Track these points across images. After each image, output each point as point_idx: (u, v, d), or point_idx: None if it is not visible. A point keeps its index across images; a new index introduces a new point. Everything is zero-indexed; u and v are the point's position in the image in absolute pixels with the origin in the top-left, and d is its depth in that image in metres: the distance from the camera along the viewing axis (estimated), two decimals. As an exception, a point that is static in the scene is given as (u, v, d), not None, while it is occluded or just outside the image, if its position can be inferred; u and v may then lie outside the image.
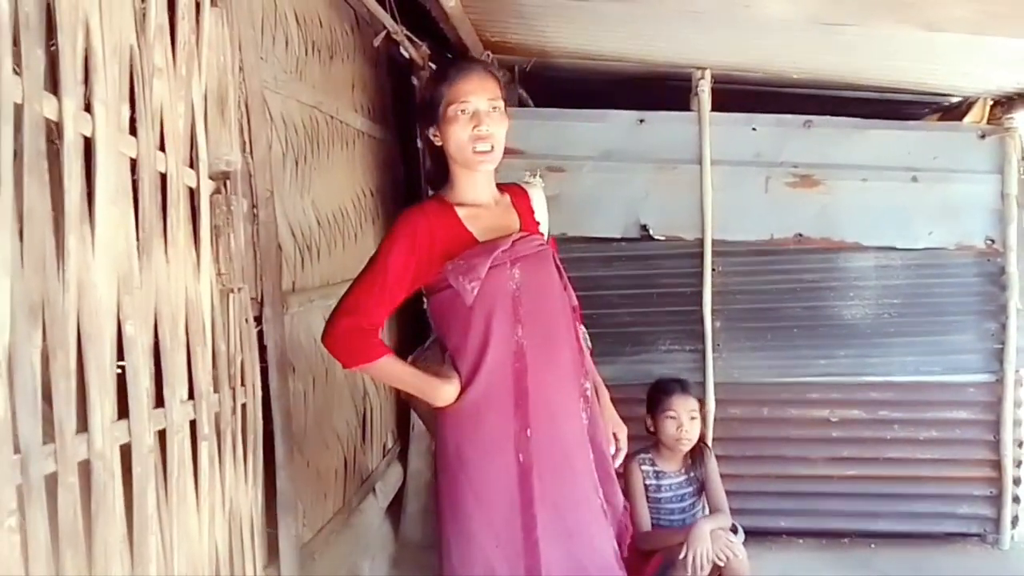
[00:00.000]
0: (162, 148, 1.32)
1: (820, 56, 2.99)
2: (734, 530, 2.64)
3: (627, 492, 2.54)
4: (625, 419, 1.99)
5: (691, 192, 3.25)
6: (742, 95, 3.41)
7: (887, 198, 3.26)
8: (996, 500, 3.31)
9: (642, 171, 3.29)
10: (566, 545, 1.69)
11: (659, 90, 3.52)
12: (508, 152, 3.21)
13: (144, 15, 1.28)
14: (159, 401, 1.25)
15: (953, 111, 3.57)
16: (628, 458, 2.57)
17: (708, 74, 3.23)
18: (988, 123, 3.34)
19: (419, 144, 3.50)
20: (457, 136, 1.64)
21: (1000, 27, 2.41)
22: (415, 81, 3.45)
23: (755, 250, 3.29)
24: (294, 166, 2.25)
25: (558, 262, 1.82)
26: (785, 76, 3.28)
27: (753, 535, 2.94)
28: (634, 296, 3.28)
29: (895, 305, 3.29)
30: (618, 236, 3.29)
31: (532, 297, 1.68)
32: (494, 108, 1.66)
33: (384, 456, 3.10)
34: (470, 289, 1.61)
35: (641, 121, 3.30)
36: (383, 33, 2.98)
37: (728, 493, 2.66)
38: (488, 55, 3.17)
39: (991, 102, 3.35)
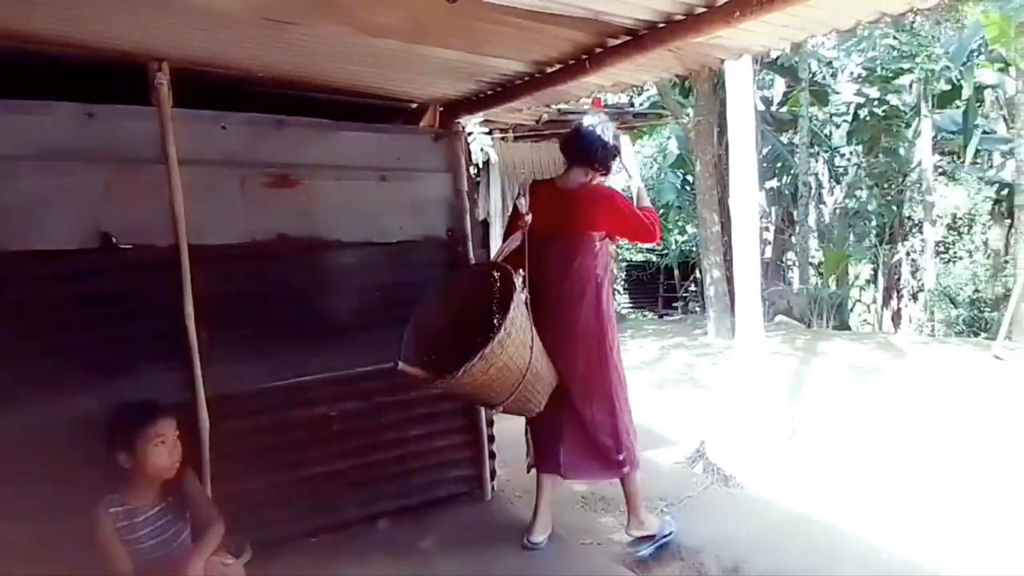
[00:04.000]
0: None
1: (280, 55, 2.95)
2: (240, 548, 2.51)
3: (98, 547, 2.22)
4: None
5: (160, 194, 2.95)
6: (221, 93, 3.21)
7: (361, 196, 3.44)
8: (477, 460, 3.77)
9: (98, 172, 2.88)
10: None
11: (123, 83, 3.12)
12: None
13: None
14: None
15: (414, 115, 3.93)
16: (94, 508, 2.25)
17: (166, 66, 2.97)
18: (439, 127, 3.74)
19: None
20: None
21: (426, 37, 2.67)
22: None
23: (237, 253, 3.15)
24: None
25: None
26: (252, 74, 3.18)
27: (269, 545, 2.83)
28: (100, 316, 2.85)
29: (378, 297, 3.47)
30: (74, 247, 2.83)
31: None
32: None
33: None
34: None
35: (90, 115, 2.88)
36: None
37: (237, 510, 2.51)
38: None
39: (440, 108, 3.77)
